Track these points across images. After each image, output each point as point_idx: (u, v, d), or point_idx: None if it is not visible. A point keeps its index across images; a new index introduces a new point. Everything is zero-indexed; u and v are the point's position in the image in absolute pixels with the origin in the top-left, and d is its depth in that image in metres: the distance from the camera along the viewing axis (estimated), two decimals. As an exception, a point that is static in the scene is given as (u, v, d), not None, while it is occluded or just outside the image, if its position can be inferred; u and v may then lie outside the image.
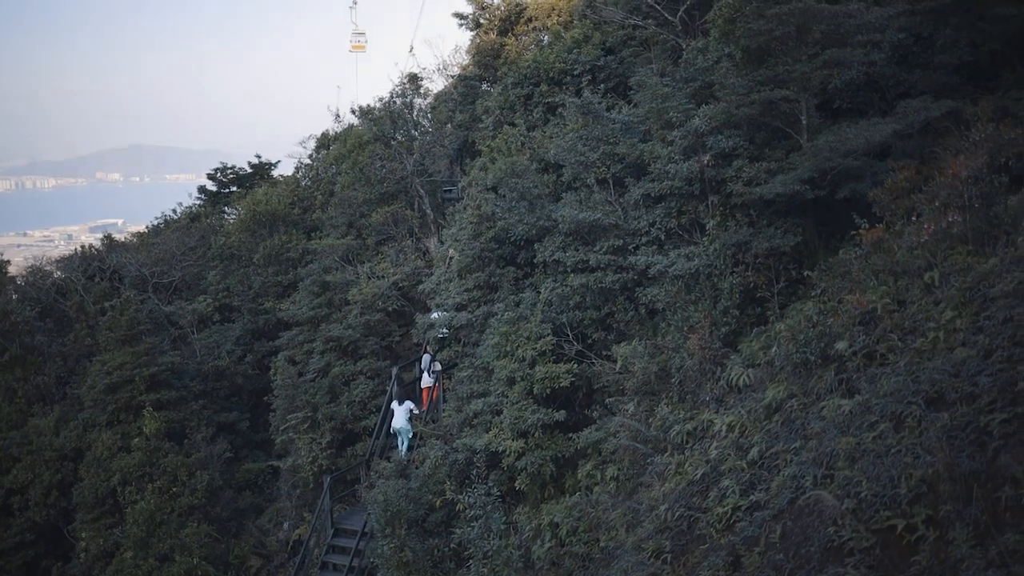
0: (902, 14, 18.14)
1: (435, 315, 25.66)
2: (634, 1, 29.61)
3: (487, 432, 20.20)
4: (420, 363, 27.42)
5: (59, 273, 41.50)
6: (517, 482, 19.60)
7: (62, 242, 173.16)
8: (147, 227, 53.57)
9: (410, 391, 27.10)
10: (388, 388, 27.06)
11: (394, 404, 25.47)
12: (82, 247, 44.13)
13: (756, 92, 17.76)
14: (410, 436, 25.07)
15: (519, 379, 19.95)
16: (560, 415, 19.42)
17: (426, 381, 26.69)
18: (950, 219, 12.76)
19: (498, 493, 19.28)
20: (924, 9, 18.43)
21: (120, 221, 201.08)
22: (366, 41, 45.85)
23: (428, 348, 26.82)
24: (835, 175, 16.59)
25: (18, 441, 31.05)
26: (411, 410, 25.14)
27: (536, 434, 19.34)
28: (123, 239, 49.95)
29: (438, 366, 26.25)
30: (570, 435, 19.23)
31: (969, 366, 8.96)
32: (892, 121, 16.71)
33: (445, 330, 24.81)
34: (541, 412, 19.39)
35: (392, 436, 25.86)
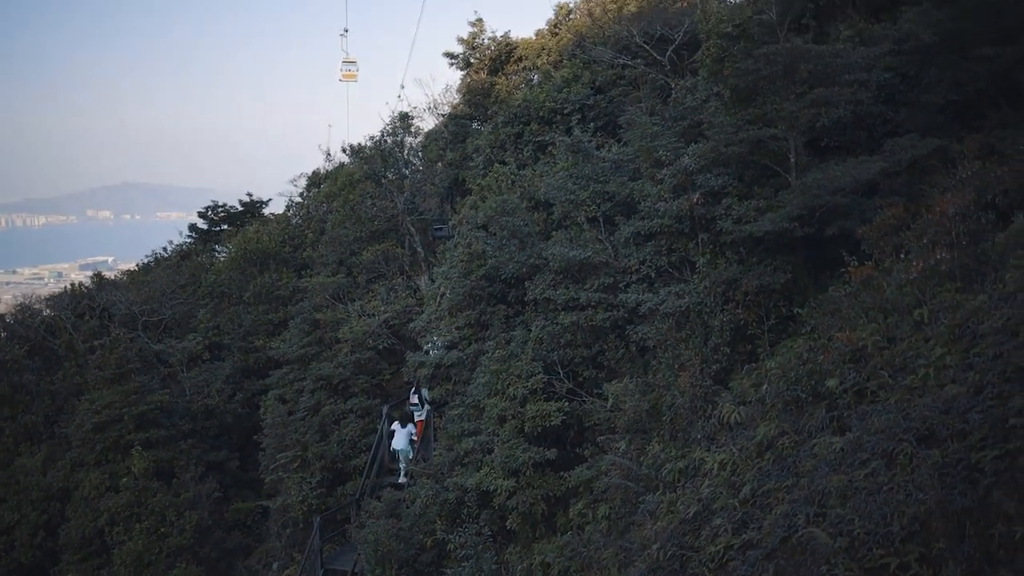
0: (888, 54, 18.36)
1: (428, 347, 25.76)
2: (623, 41, 29.94)
3: (478, 471, 20.11)
4: (409, 398, 27.36)
5: (48, 311, 41.33)
6: (508, 521, 19.48)
7: (52, 280, 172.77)
8: (137, 265, 53.52)
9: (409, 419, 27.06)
10: (379, 427, 26.99)
11: (395, 425, 25.72)
12: (72, 285, 44.04)
13: (745, 131, 17.91)
14: (409, 458, 25.28)
15: (510, 417, 19.90)
16: (551, 453, 19.36)
17: (418, 415, 26.62)
18: (938, 256, 12.83)
19: (489, 532, 19.19)
20: (909, 49, 18.66)
21: (110, 259, 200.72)
22: (357, 70, 43.46)
23: (416, 385, 26.83)
24: (824, 212, 16.68)
25: (4, 481, 30.80)
26: (411, 435, 25.26)
27: (527, 473, 19.25)
28: (113, 277, 49.87)
29: (416, 398, 26.23)
30: (561, 473, 19.15)
31: (960, 403, 8.96)
32: (880, 159, 16.85)
33: (434, 351, 25.03)
34: (532, 450, 19.32)
35: (392, 456, 26.30)
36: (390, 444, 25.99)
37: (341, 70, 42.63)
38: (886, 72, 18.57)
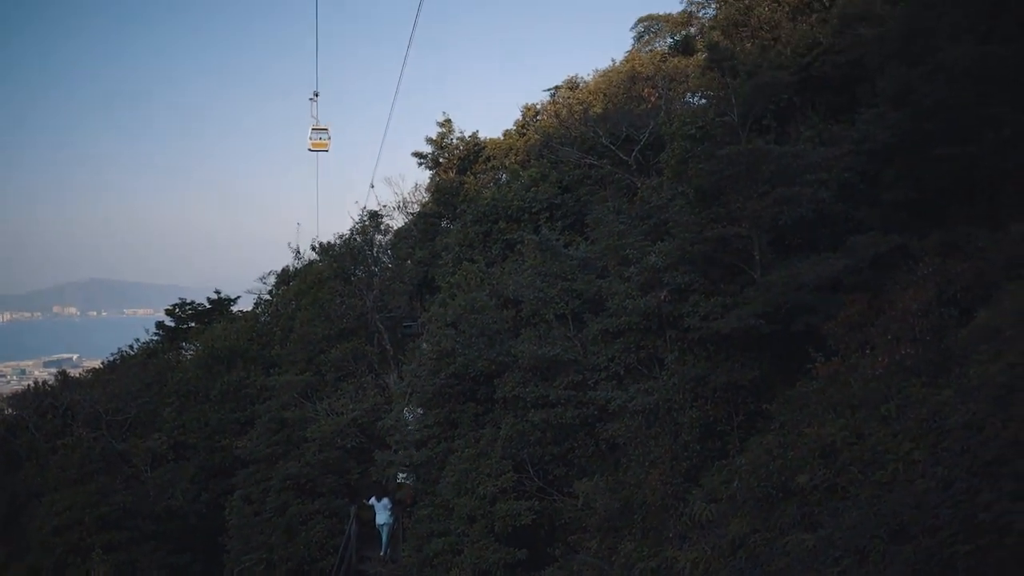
0: (847, 154, 18.81)
1: (408, 415, 25.69)
2: (589, 141, 30.51)
3: (447, 573, 19.76)
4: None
5: (10, 410, 40.70)
6: (479, 625, 19.09)
7: (15, 377, 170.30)
8: (103, 363, 52.97)
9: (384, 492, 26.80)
10: (347, 527, 26.57)
11: (372, 501, 25.70)
12: (35, 383, 43.46)
13: (709, 229, 18.18)
14: (392, 527, 25.34)
15: (480, 517, 19.67)
16: (522, 554, 19.09)
17: (402, 478, 26.39)
18: (903, 351, 12.98)
19: (459, 637, 18.77)
20: (868, 149, 19.12)
21: (75, 356, 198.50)
22: (329, 138, 36.02)
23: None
24: (789, 309, 16.85)
25: (-42, 588, 29.87)
26: (388, 507, 25.05)
27: (498, 574, 18.94)
28: (78, 375, 49.30)
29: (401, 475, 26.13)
30: (533, 574, 18.85)
31: (930, 498, 8.97)
32: (842, 256, 17.11)
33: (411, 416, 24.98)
34: (502, 551, 19.06)
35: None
36: (374, 520, 25.80)
37: (310, 138, 35.96)
38: (846, 171, 19.01)
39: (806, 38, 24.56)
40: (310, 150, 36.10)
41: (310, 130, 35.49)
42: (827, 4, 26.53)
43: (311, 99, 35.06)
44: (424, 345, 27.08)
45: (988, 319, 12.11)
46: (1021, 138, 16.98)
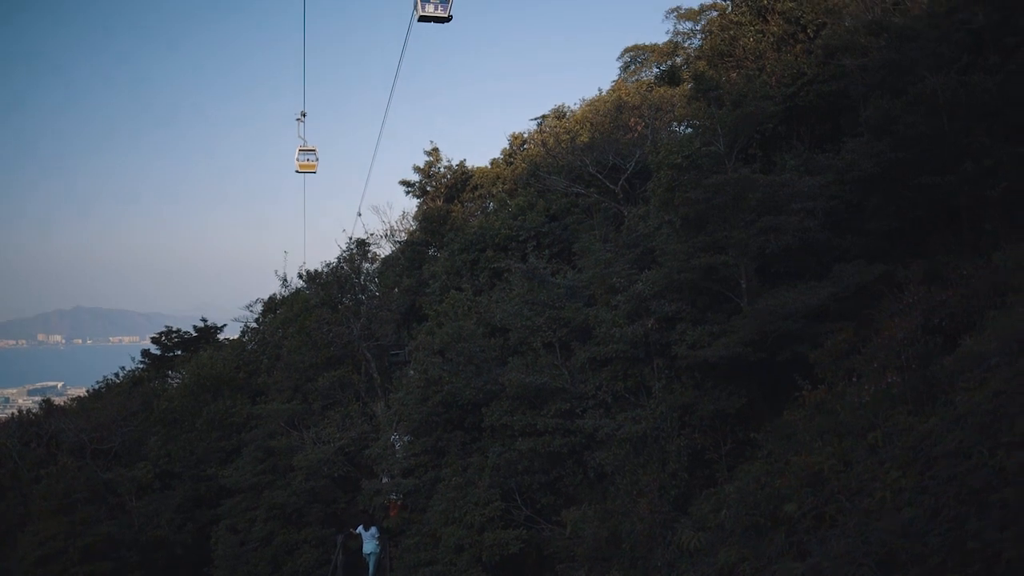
0: (832, 183, 18.99)
1: (394, 439, 25.55)
2: (576, 170, 30.63)
3: (435, 604, 19.66)
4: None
5: (-6, 438, 40.35)
6: (467, 655, 18.97)
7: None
8: (88, 391, 52.68)
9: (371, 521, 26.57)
10: (333, 558, 26.38)
11: (360, 529, 25.18)
12: (19, 412, 43.21)
13: (696, 258, 18.29)
14: (379, 556, 24.91)
15: (467, 546, 19.59)
16: (510, 584, 19.03)
17: (392, 497, 26.21)
18: (889, 380, 13.05)
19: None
20: (853, 178, 19.33)
21: (60, 384, 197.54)
22: (316, 159, 35.62)
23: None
24: (776, 337, 16.92)
25: (-61, 621, 29.52)
26: (375, 536, 24.89)
27: (486, 605, 18.86)
28: (63, 403, 49.01)
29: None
30: (520, 604, 18.79)
31: (917, 526, 9.01)
32: (828, 284, 17.23)
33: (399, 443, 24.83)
34: (490, 581, 18.98)
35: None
36: (361, 549, 25.59)
37: (298, 159, 35.39)
38: (831, 200, 19.16)
39: (791, 68, 24.81)
40: (297, 171, 35.70)
41: (297, 151, 35.12)
42: (811, 35, 26.80)
43: (298, 119, 34.68)
44: (411, 373, 27.03)
45: (973, 347, 12.20)
46: (1002, 168, 17.19)
